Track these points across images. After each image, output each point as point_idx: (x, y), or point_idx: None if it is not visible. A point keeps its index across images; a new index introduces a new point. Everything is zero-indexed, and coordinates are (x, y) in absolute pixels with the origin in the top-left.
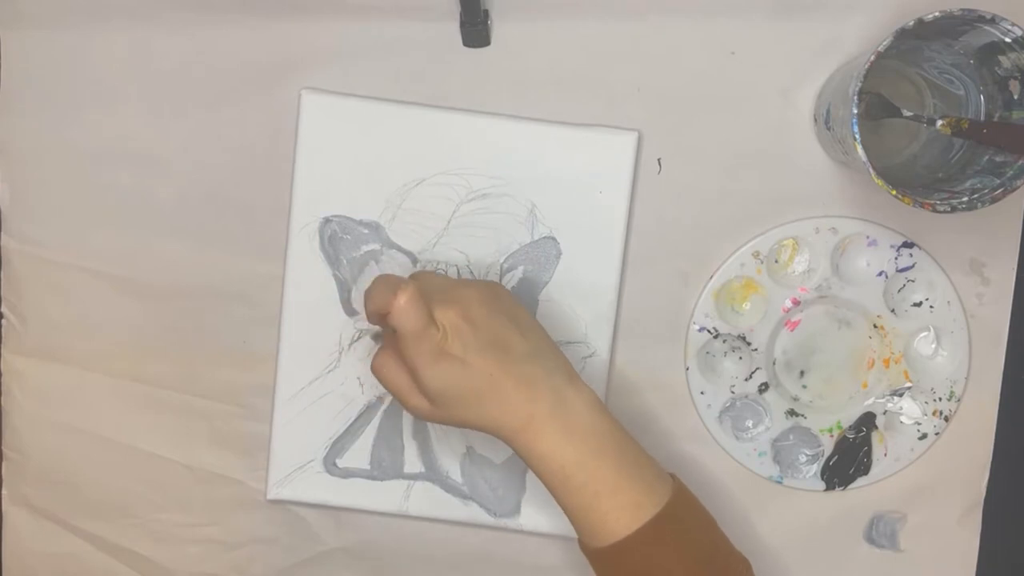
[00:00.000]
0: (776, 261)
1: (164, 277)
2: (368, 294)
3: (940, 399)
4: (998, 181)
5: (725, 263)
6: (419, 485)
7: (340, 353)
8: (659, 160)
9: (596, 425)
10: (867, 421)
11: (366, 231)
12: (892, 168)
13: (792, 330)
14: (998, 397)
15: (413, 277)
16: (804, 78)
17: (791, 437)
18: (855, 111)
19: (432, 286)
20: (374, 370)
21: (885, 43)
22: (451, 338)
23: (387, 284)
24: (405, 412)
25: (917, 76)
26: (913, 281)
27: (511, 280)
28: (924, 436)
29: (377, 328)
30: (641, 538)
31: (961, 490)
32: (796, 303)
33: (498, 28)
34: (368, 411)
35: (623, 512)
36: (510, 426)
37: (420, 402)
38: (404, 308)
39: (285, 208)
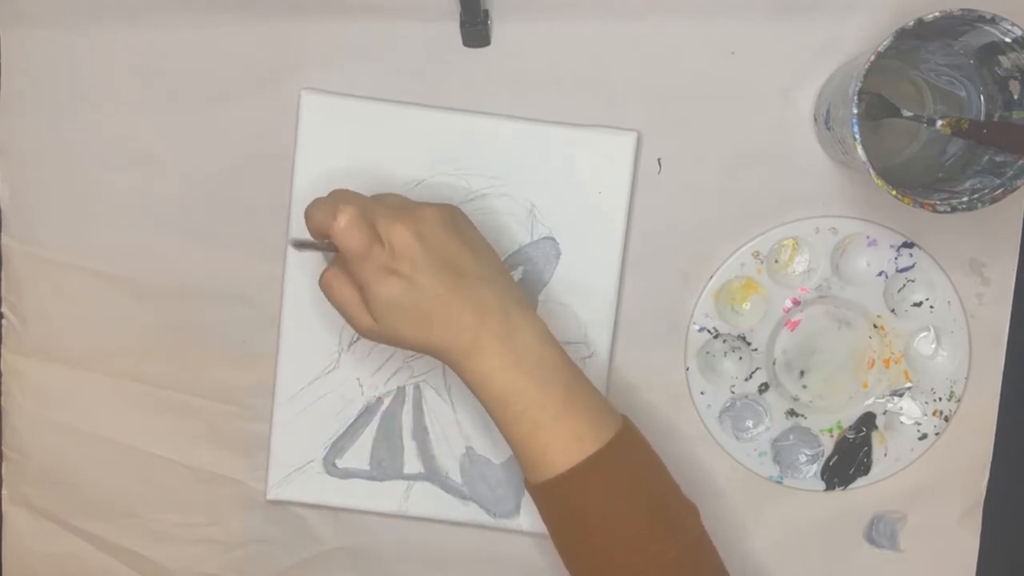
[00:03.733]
0: (776, 261)
1: (164, 277)
2: (307, 215)
3: (940, 399)
4: (998, 181)
5: (725, 263)
6: (419, 485)
7: (340, 353)
8: (659, 160)
9: (543, 354)
10: (867, 421)
11: None
12: (892, 168)
13: (792, 330)
14: (998, 397)
15: (375, 198)
16: (804, 78)
17: (791, 437)
18: (855, 111)
19: (385, 204)
20: (322, 287)
21: (885, 43)
22: (399, 256)
23: (326, 205)
24: (405, 411)
25: (917, 76)
26: (913, 281)
27: None
28: (924, 436)
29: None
30: (581, 472)
31: (961, 490)
32: (796, 303)
33: (498, 28)
34: (368, 411)
35: (565, 444)
36: (456, 348)
37: (367, 320)
38: (344, 230)
39: (285, 208)
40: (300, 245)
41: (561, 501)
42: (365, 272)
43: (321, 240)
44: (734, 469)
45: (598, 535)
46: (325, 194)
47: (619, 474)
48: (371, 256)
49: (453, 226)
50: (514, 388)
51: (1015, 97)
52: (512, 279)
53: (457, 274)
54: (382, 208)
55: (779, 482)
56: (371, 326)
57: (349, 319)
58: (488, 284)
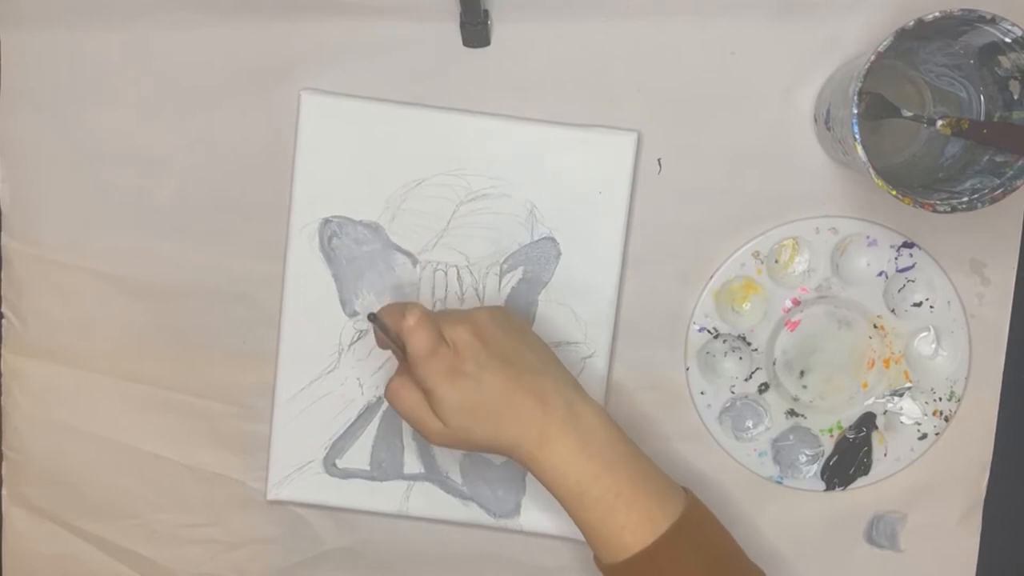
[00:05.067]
0: (776, 261)
1: (164, 277)
2: (377, 315)
3: (940, 399)
4: (998, 181)
5: (725, 263)
6: (419, 486)
7: (340, 353)
8: (659, 160)
9: (608, 437)
10: (867, 421)
11: (366, 231)
12: (892, 168)
13: (792, 330)
14: (998, 397)
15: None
16: (804, 78)
17: (791, 437)
18: (855, 111)
19: (443, 312)
20: (388, 397)
21: (885, 43)
22: (463, 356)
23: (396, 307)
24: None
25: (917, 76)
26: (913, 281)
27: (511, 280)
28: (924, 436)
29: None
30: (656, 551)
31: (961, 490)
32: (796, 303)
33: (498, 28)
34: (368, 412)
35: (638, 525)
36: (526, 441)
37: (436, 424)
38: (414, 328)
39: (285, 208)
40: (374, 319)
41: None
42: (432, 374)
43: (388, 345)
44: (734, 469)
45: None
46: (325, 194)
47: (690, 548)
48: (438, 356)
49: (507, 323)
50: (586, 475)
51: (1015, 97)
52: (564, 367)
53: (517, 366)
54: (443, 313)
55: (779, 482)
56: (441, 430)
57: (417, 425)
58: (547, 375)
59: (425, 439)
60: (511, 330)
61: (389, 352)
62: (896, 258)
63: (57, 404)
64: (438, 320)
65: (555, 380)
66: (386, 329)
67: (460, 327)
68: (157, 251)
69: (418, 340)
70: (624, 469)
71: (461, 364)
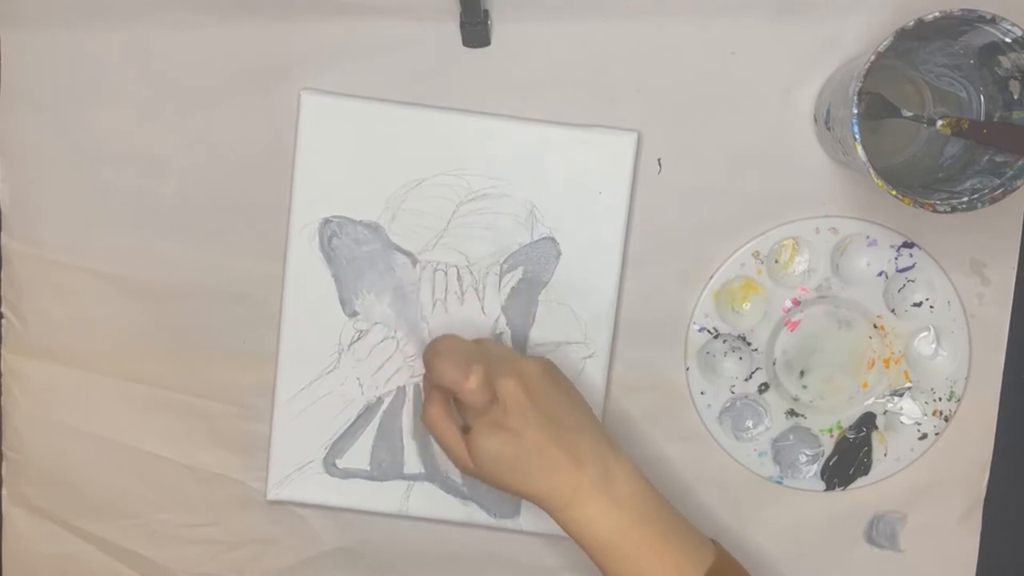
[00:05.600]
0: (776, 261)
1: (164, 277)
2: (436, 368)
3: (940, 399)
4: (998, 181)
5: (725, 263)
6: (419, 486)
7: (340, 353)
8: (659, 160)
9: (639, 493)
10: (867, 421)
11: (366, 231)
12: (892, 168)
13: (792, 330)
14: (998, 397)
15: (477, 344)
16: (804, 78)
17: (791, 437)
18: (855, 111)
19: (493, 356)
20: (426, 422)
21: (885, 43)
22: (510, 411)
23: (456, 364)
24: (405, 411)
25: (917, 76)
26: (913, 281)
27: (511, 280)
28: (924, 436)
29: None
30: None
31: (961, 490)
32: (796, 303)
33: (498, 28)
34: (368, 412)
35: None
36: (556, 497)
37: (468, 462)
38: (474, 391)
39: (285, 208)
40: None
41: None
42: (477, 425)
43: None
44: (734, 469)
45: None
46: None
47: None
48: (488, 411)
49: (552, 378)
50: (616, 531)
51: (1015, 97)
52: (599, 421)
53: (559, 426)
54: (494, 360)
55: (779, 482)
56: (472, 468)
57: (449, 454)
58: (584, 433)
59: (456, 467)
60: (557, 386)
61: (389, 352)
62: (896, 258)
63: (57, 404)
64: (489, 366)
65: (593, 438)
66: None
67: (511, 381)
68: (157, 251)
69: (476, 401)
70: (654, 524)
71: (506, 419)
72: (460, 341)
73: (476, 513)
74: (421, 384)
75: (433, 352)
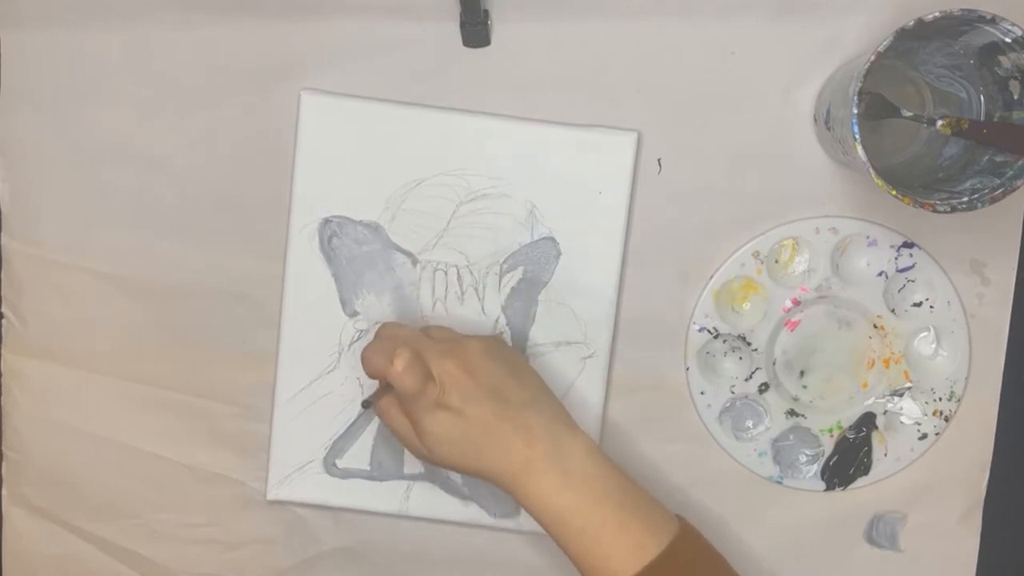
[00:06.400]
0: (776, 261)
1: (164, 277)
2: (364, 359)
3: (940, 399)
4: (998, 181)
5: (725, 263)
6: (419, 485)
7: (340, 353)
8: (659, 160)
9: (594, 470)
10: (867, 421)
11: (366, 231)
12: (892, 168)
13: (792, 330)
14: (998, 397)
15: (423, 331)
16: (804, 78)
17: (791, 437)
18: (855, 111)
19: (433, 337)
20: (379, 413)
21: (885, 43)
22: (449, 390)
23: (382, 350)
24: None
25: (917, 76)
26: (913, 281)
27: (511, 280)
28: (924, 436)
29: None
30: None
31: (961, 490)
32: (796, 303)
33: (498, 28)
34: (368, 412)
35: (626, 554)
36: (507, 473)
37: (420, 448)
38: (400, 375)
39: (285, 208)
40: (366, 404)
41: None
42: (417, 409)
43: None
44: (734, 469)
45: None
46: (325, 194)
47: (682, 574)
48: (424, 394)
49: (498, 354)
50: (570, 507)
51: (1015, 97)
52: (556, 399)
53: (504, 402)
54: (432, 344)
55: (779, 482)
56: (426, 454)
57: (405, 444)
58: (534, 408)
59: (412, 455)
60: (502, 362)
61: None
62: (896, 258)
63: (57, 404)
64: (426, 352)
65: (542, 414)
66: (377, 394)
67: (447, 361)
68: (157, 251)
69: (405, 383)
70: (611, 500)
71: (445, 398)
72: (397, 328)
73: (476, 513)
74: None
75: (363, 350)
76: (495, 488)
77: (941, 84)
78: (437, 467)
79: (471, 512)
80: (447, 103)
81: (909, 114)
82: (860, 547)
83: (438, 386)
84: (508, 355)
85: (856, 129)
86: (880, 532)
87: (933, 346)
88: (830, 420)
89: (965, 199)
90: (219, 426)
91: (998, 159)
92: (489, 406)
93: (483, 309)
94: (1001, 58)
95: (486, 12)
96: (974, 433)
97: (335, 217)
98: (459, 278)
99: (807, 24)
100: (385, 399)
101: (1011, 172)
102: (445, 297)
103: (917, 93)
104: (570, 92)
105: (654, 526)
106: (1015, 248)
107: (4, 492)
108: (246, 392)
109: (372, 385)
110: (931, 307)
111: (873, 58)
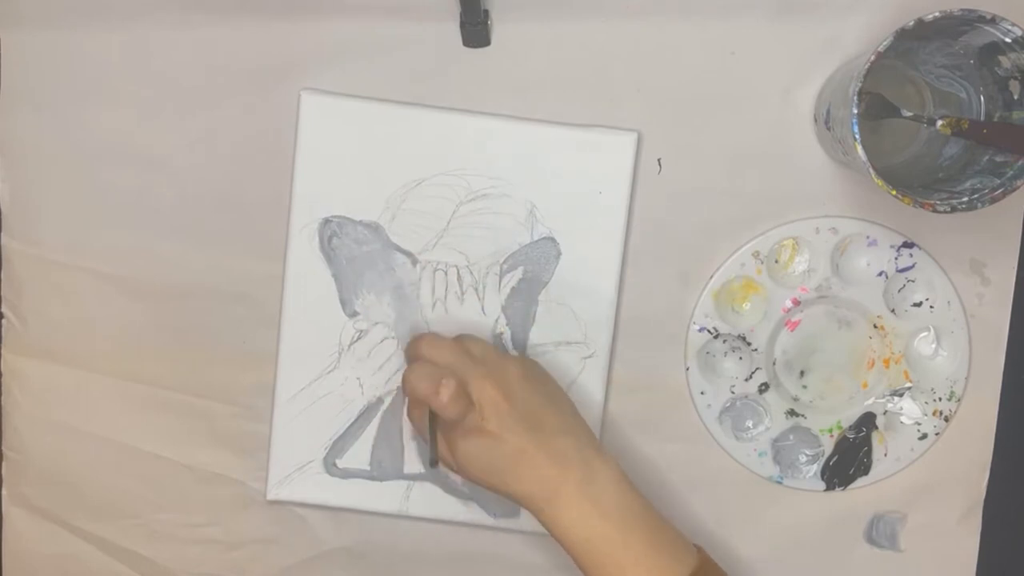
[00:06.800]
0: (776, 261)
1: (164, 277)
2: (410, 381)
3: (940, 399)
4: (998, 181)
5: (725, 263)
6: (419, 485)
7: (340, 353)
8: (659, 160)
9: (622, 499)
10: (867, 421)
11: (366, 231)
12: (892, 168)
13: (792, 330)
14: (998, 397)
15: (458, 340)
16: (804, 78)
17: (791, 437)
18: (855, 111)
19: (472, 355)
20: (411, 421)
21: (885, 43)
22: (488, 415)
23: (428, 376)
24: (405, 411)
25: (917, 76)
26: (913, 281)
27: (511, 280)
28: (924, 436)
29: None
30: None
31: (961, 490)
32: (796, 303)
33: (498, 28)
34: (368, 411)
35: None
36: (537, 498)
37: (451, 460)
38: (445, 405)
39: (285, 208)
40: (434, 463)
41: None
42: (454, 429)
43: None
44: (734, 469)
45: None
46: (325, 194)
47: None
48: (466, 418)
49: (535, 378)
50: (597, 535)
51: (1015, 97)
52: (586, 423)
53: (539, 428)
54: (472, 365)
55: (779, 482)
56: (454, 466)
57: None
58: (568, 435)
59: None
60: (538, 386)
61: (389, 352)
62: (896, 258)
63: (57, 404)
64: (467, 374)
65: (576, 440)
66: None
67: (488, 386)
68: (157, 251)
69: (448, 413)
70: (636, 528)
71: (485, 423)
72: (437, 342)
73: (476, 513)
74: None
75: (408, 362)
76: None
77: (941, 84)
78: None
79: (471, 512)
80: (447, 103)
81: (909, 114)
82: (860, 547)
83: (477, 411)
84: (544, 379)
85: (856, 129)
86: (880, 532)
87: (933, 346)
88: (830, 420)
89: (965, 199)
90: (219, 426)
91: (998, 159)
92: (526, 433)
93: (483, 309)
94: (1001, 58)
95: (486, 12)
96: (974, 433)
97: (335, 217)
98: (459, 278)
99: (807, 24)
100: (420, 411)
101: (1011, 172)
102: (445, 297)
103: (917, 93)
104: (570, 92)
105: (675, 556)
106: (1015, 248)
107: (4, 492)
108: (246, 392)
109: (372, 385)
110: (931, 307)
111: (873, 58)
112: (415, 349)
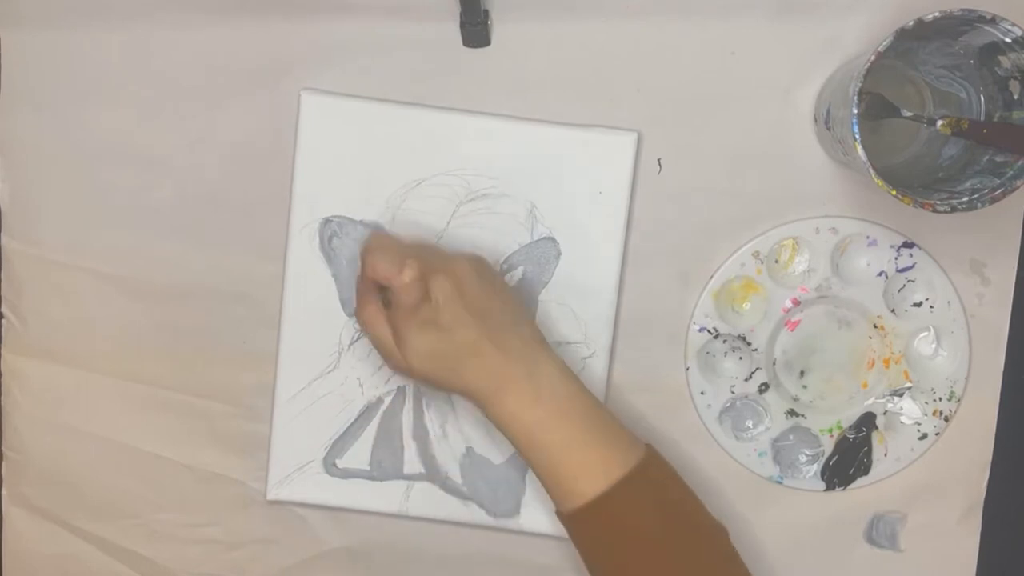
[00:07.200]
0: (776, 261)
1: (164, 277)
2: (369, 260)
3: (940, 399)
4: (998, 181)
5: (725, 263)
6: (419, 485)
7: (340, 353)
8: (659, 160)
9: (565, 390)
10: (867, 421)
11: (366, 231)
12: (892, 168)
13: (792, 330)
14: (998, 397)
15: (414, 244)
16: (804, 78)
17: (791, 437)
18: (855, 111)
19: (428, 253)
20: (360, 322)
21: (885, 43)
22: (442, 309)
23: (392, 258)
24: (405, 411)
25: (917, 76)
26: (913, 281)
27: (511, 280)
28: (924, 436)
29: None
30: (609, 498)
31: (961, 490)
32: (796, 303)
33: (498, 28)
34: (368, 411)
35: (591, 472)
36: (483, 389)
37: (399, 360)
38: (408, 286)
39: (285, 208)
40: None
41: (592, 528)
42: (408, 323)
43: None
44: (734, 469)
45: (629, 559)
46: (325, 194)
47: (646, 498)
48: (420, 309)
49: (485, 275)
50: (539, 423)
51: (1015, 97)
52: (533, 321)
53: (488, 321)
54: (427, 257)
55: (779, 482)
56: (404, 367)
57: (382, 354)
58: (515, 330)
59: (389, 367)
60: (488, 283)
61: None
62: (896, 258)
63: (57, 404)
64: (425, 265)
65: (522, 336)
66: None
67: (443, 278)
68: (157, 251)
69: (409, 295)
70: (580, 420)
71: (437, 317)
72: (394, 237)
73: (476, 513)
74: (356, 284)
75: (368, 247)
76: (495, 488)
77: (941, 84)
78: (447, 452)
79: (471, 512)
80: (447, 103)
81: (909, 114)
82: (860, 547)
83: (433, 304)
84: (493, 276)
85: (856, 129)
86: (880, 532)
87: (933, 346)
88: (830, 420)
89: (965, 199)
90: (219, 426)
91: (998, 159)
92: (477, 328)
93: None
94: (1001, 58)
95: (486, 12)
96: (974, 433)
97: (335, 217)
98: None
99: (807, 24)
100: (370, 307)
101: (1011, 172)
102: None
103: (917, 93)
104: (570, 92)
105: (621, 448)
106: (1015, 248)
107: (4, 492)
108: (246, 392)
109: (372, 384)
110: (931, 307)
111: (873, 58)
112: (370, 242)
